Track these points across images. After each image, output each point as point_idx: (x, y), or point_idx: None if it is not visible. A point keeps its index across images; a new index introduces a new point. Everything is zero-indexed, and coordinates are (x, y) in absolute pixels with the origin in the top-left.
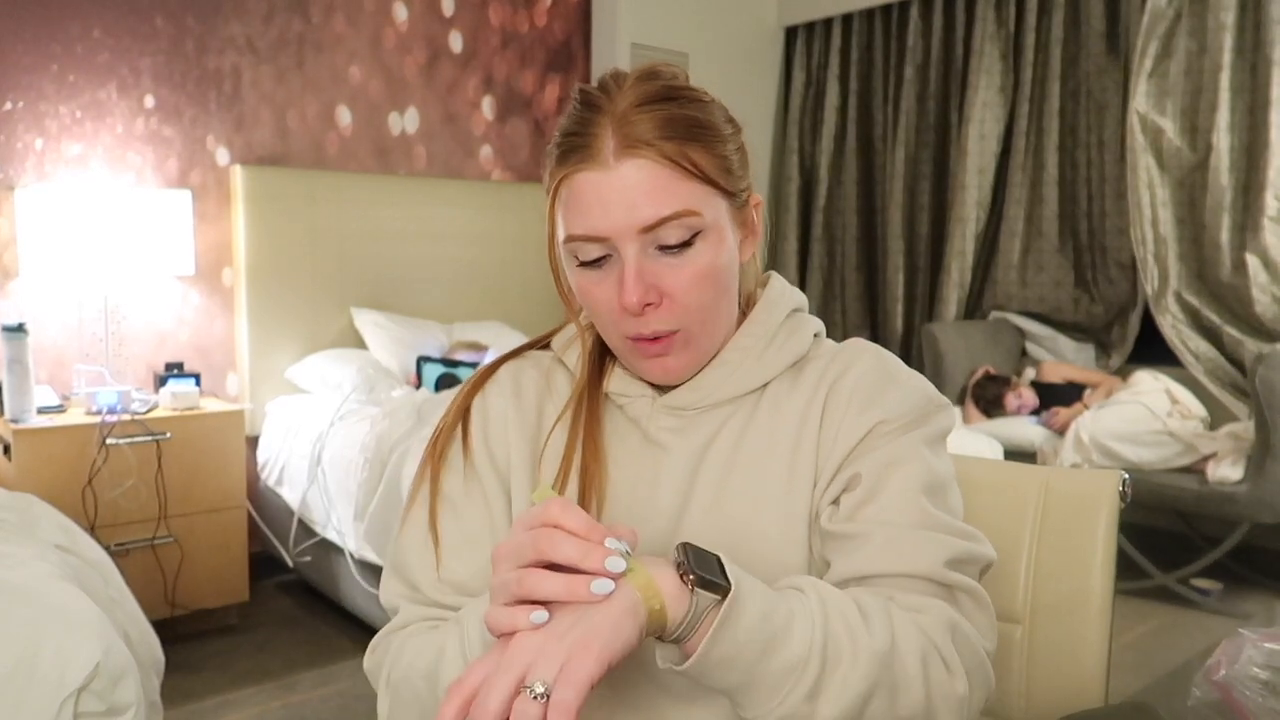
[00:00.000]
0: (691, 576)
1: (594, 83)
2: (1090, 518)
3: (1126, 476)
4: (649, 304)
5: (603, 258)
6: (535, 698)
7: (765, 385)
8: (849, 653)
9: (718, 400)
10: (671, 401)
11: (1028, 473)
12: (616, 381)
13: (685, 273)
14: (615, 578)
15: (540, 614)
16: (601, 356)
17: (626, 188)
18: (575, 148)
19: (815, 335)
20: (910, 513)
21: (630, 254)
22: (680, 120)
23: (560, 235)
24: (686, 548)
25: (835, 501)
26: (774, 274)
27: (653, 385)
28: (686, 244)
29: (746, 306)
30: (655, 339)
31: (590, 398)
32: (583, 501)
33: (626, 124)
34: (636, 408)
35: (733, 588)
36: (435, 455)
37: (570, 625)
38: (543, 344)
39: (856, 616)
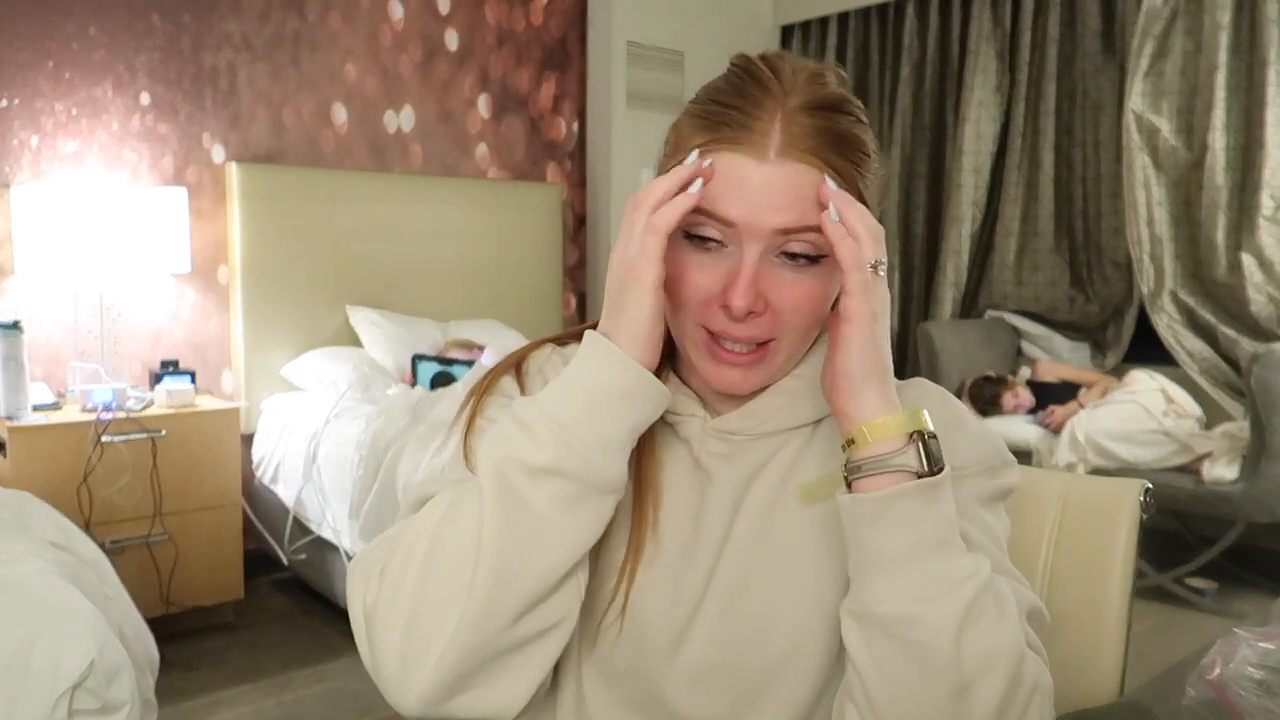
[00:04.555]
0: (921, 434)
1: (754, 56)
2: (1110, 527)
3: (1149, 486)
4: (753, 312)
5: (716, 243)
6: None
7: (820, 420)
8: (987, 625)
9: (772, 429)
10: (723, 426)
11: (1046, 478)
12: (673, 400)
13: (799, 290)
14: None
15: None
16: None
17: (775, 186)
18: (734, 123)
19: None
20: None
21: (752, 254)
22: (844, 137)
23: None
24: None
25: None
26: None
27: (704, 405)
28: (811, 261)
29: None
30: (743, 351)
31: None
32: (638, 503)
33: (795, 123)
34: (687, 427)
35: (945, 470)
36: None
37: None
38: (566, 342)
39: (1013, 606)
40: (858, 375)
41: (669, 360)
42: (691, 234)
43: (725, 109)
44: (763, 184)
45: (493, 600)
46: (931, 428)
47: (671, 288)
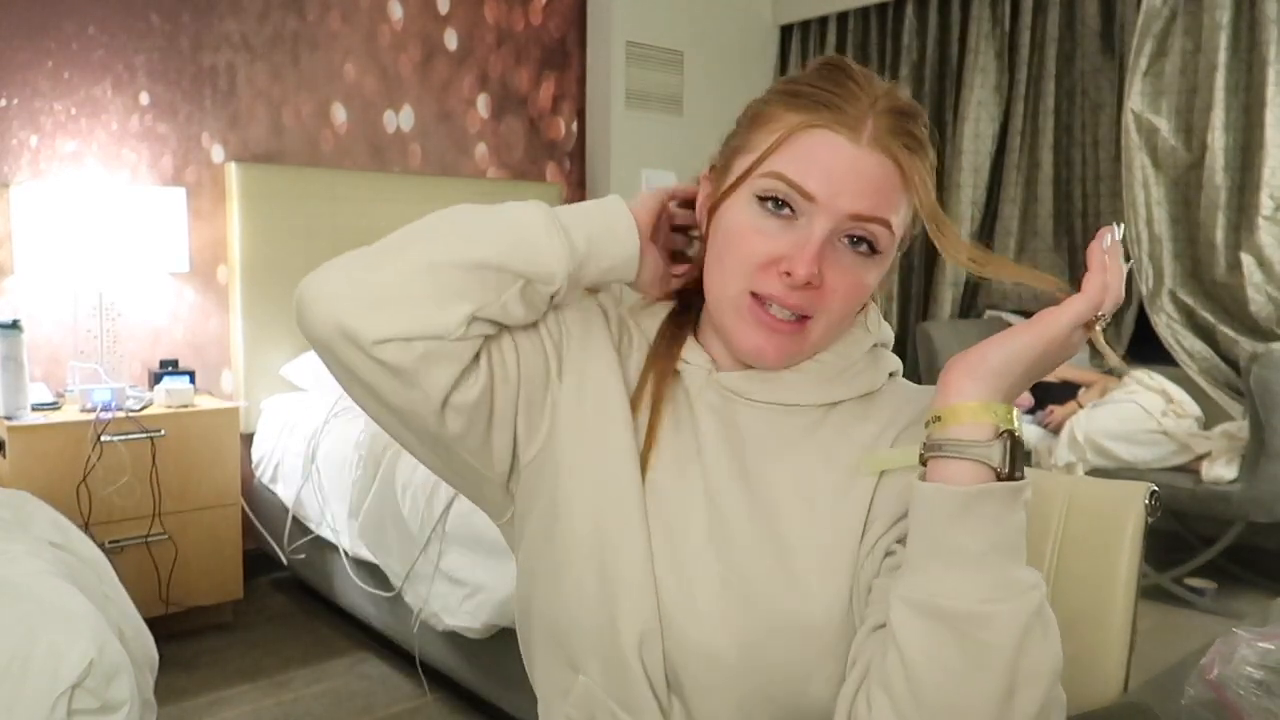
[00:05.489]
0: (1010, 434)
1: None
2: (1115, 530)
3: (1155, 489)
4: (810, 284)
5: (788, 212)
6: None
7: (833, 405)
8: (1039, 638)
9: (771, 400)
10: (725, 381)
11: (1051, 481)
12: (687, 350)
13: (851, 277)
14: None
15: None
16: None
17: (863, 171)
18: (830, 105)
19: (891, 374)
20: None
21: (821, 229)
22: (921, 145)
23: (763, 167)
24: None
25: (891, 553)
26: (872, 304)
27: (714, 364)
28: (871, 253)
29: None
30: (786, 319)
31: (666, 355)
32: (650, 432)
33: (884, 121)
34: (691, 376)
35: (1027, 480)
36: None
37: None
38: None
39: (1055, 623)
40: (998, 361)
41: (694, 323)
42: (765, 198)
43: (825, 93)
44: (851, 166)
45: (428, 236)
46: (1020, 433)
47: (729, 245)
